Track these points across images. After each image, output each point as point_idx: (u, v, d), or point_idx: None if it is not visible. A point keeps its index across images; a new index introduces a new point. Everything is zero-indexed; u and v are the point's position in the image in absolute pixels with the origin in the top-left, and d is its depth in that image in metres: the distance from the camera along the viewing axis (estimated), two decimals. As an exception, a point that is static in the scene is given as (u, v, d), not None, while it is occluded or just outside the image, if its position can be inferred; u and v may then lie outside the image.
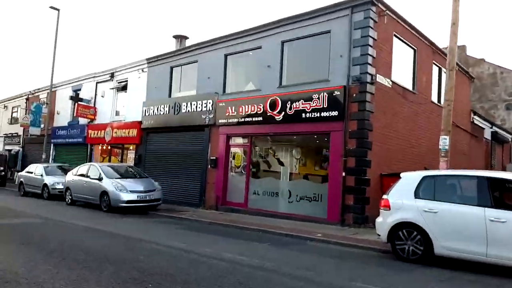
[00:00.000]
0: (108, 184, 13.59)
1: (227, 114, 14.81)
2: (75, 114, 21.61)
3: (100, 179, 14.02)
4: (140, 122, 18.53)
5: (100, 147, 21.54)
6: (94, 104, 21.95)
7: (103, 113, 21.36)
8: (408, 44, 13.55)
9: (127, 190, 13.32)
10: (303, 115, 12.51)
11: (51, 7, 22.72)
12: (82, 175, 15.12)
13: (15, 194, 20.09)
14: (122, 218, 12.25)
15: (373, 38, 11.69)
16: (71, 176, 15.74)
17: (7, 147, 30.93)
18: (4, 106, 31.96)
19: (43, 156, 23.32)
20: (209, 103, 15.58)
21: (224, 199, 14.97)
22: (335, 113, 11.84)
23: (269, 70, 13.89)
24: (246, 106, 14.18)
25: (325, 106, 12.02)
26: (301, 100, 12.59)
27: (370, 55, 11.56)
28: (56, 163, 22.30)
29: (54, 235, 8.81)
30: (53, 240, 8.11)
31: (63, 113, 24.55)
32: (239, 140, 15.16)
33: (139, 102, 18.85)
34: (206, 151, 15.73)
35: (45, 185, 17.61)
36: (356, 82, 11.59)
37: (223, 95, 15.38)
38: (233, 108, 14.62)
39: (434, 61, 15.14)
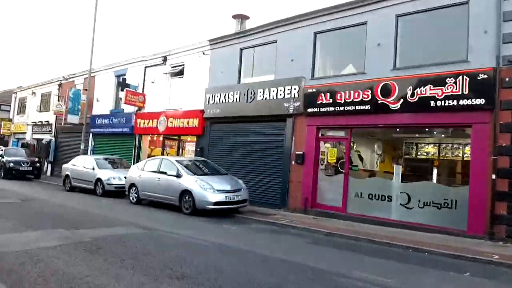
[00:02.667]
0: (191, 182, 11.52)
1: (319, 102, 12.69)
2: (123, 102, 19.47)
3: (178, 175, 11.95)
4: (202, 111, 16.46)
5: (149, 138, 19.51)
6: (143, 90, 19.86)
7: (153, 101, 19.29)
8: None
9: (213, 190, 11.26)
10: (432, 103, 10.37)
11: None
12: (152, 170, 13.06)
13: (59, 189, 18.09)
14: (218, 224, 10.22)
15: (532, 9, 9.51)
16: (137, 172, 13.67)
17: (36, 136, 29.01)
18: (32, 93, 29.89)
19: (82, 147, 21.30)
20: (294, 89, 13.45)
21: (313, 201, 12.93)
22: (480, 101, 9.68)
23: (377, 49, 11.72)
24: (347, 93, 12.04)
25: (465, 92, 9.85)
26: (429, 85, 10.44)
27: (528, 30, 9.39)
28: (98, 154, 20.22)
29: (185, 258, 6.43)
30: (203, 270, 5.73)
31: (104, 100, 22.50)
32: (334, 133, 13.07)
33: (200, 89, 16.77)
34: (288, 145, 13.65)
35: (99, 180, 15.61)
36: (510, 63, 9.42)
37: (311, 79, 13.26)
38: (328, 95, 12.49)
39: None
